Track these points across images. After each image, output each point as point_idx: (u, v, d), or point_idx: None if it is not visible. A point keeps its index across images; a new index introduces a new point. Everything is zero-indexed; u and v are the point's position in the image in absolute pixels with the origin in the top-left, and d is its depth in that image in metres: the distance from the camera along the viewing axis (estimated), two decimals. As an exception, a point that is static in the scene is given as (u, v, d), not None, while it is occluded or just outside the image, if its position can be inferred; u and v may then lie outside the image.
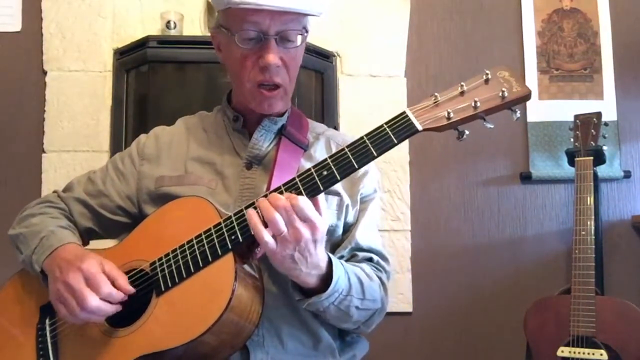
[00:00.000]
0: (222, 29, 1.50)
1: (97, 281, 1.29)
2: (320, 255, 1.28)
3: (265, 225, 1.21)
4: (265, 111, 1.52)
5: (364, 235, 1.54)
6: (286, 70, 1.49)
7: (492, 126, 1.24)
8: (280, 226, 1.19)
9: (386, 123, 1.25)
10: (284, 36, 1.45)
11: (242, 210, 1.29)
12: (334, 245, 1.56)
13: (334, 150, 1.58)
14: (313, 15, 1.49)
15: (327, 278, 1.32)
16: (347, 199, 1.54)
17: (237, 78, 1.52)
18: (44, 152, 2.67)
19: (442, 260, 2.86)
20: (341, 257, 1.50)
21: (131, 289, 1.32)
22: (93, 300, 1.27)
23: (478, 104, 1.22)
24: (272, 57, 1.43)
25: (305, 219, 1.20)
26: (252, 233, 1.22)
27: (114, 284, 1.31)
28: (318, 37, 2.67)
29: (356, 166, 1.23)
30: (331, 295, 1.32)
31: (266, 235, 1.20)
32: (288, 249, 1.21)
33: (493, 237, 2.90)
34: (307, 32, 1.51)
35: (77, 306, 1.27)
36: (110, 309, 1.30)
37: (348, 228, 1.56)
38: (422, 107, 1.25)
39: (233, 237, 1.27)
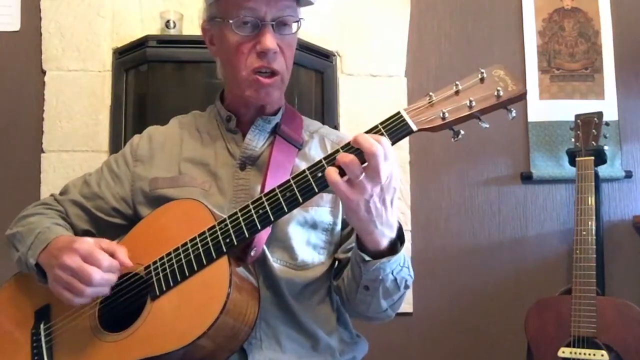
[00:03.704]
0: (216, 20, 1.50)
1: (95, 256, 1.29)
2: (393, 215, 1.26)
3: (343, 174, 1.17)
4: (261, 100, 1.50)
5: None
6: (283, 58, 1.48)
7: (487, 126, 1.24)
8: (357, 170, 1.15)
9: (381, 123, 1.23)
10: (281, 22, 1.45)
11: (236, 213, 1.28)
12: (336, 244, 1.56)
13: (328, 148, 1.58)
14: (308, 4, 1.50)
15: (392, 247, 1.30)
16: None
17: (232, 67, 1.49)
18: (42, 152, 2.67)
19: (442, 260, 2.85)
20: (348, 251, 1.50)
21: (129, 262, 1.33)
22: (97, 274, 1.27)
23: (473, 103, 1.21)
24: (270, 42, 1.42)
25: (387, 158, 1.16)
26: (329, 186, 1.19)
27: (113, 257, 1.31)
28: (318, 36, 2.68)
29: None
30: (397, 260, 1.31)
31: (342, 185, 1.17)
32: (366, 193, 1.17)
33: (493, 237, 2.90)
34: (301, 21, 1.51)
35: (83, 284, 1.27)
36: (115, 278, 1.31)
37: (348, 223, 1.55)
38: (417, 107, 1.24)
39: (227, 240, 1.26)
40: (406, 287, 1.42)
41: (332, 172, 1.17)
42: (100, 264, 1.28)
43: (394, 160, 1.19)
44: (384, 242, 1.28)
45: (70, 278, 1.29)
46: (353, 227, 1.30)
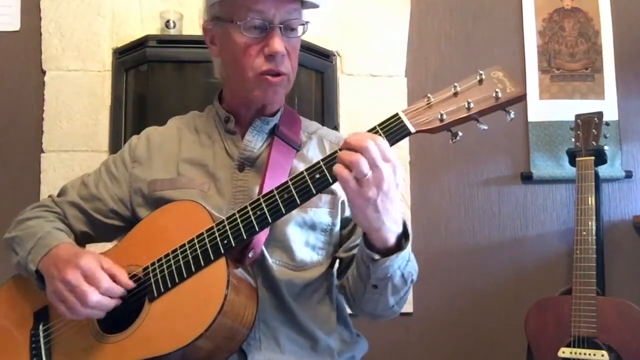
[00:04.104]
0: (220, 21, 1.49)
1: (96, 277, 1.29)
2: (399, 210, 1.25)
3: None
4: (269, 99, 1.50)
5: None
6: (289, 60, 1.48)
7: (485, 127, 1.23)
8: (364, 168, 1.15)
9: (379, 125, 1.23)
10: (288, 25, 1.45)
11: (234, 214, 1.28)
12: (335, 244, 1.55)
13: (327, 148, 1.58)
14: (313, 7, 1.50)
15: (398, 242, 1.29)
16: (343, 195, 1.50)
17: (238, 68, 1.48)
18: (42, 152, 2.67)
19: (442, 260, 2.85)
20: (350, 250, 1.51)
21: (131, 284, 1.33)
22: (94, 296, 1.27)
23: (471, 105, 1.21)
24: (279, 45, 1.42)
25: (387, 159, 1.17)
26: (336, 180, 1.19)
27: (113, 279, 1.31)
28: (318, 36, 2.67)
29: None
30: (403, 255, 1.30)
31: (352, 183, 1.16)
32: (371, 191, 1.16)
33: (494, 237, 2.90)
34: (306, 24, 1.51)
35: (78, 302, 1.27)
36: (111, 303, 1.30)
37: (349, 222, 1.55)
38: (415, 109, 1.24)
39: (225, 242, 1.26)
40: (412, 281, 1.41)
41: (342, 169, 1.16)
42: (99, 285, 1.29)
43: (394, 156, 1.19)
44: (392, 239, 1.27)
45: (67, 293, 1.29)
46: (360, 225, 1.29)
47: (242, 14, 1.42)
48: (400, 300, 1.46)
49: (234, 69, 1.51)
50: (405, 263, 1.34)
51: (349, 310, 1.61)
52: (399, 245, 1.29)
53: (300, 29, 1.49)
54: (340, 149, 1.20)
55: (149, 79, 2.52)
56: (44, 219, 1.55)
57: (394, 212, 1.24)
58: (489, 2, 2.98)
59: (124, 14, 2.74)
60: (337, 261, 1.58)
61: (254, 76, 1.45)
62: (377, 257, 1.29)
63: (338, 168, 1.17)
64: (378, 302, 1.42)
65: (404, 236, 1.30)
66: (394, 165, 1.19)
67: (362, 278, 1.37)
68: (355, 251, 1.49)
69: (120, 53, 2.63)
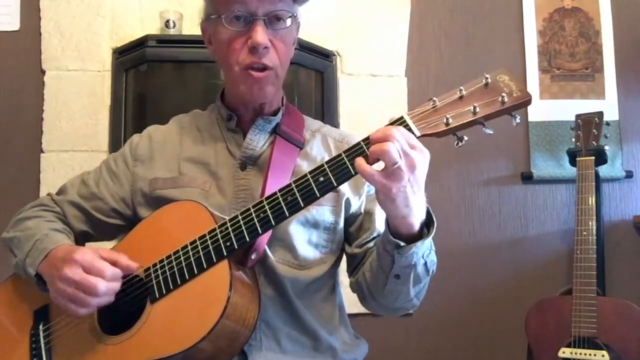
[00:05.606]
0: (211, 17, 1.48)
1: (97, 266, 1.28)
2: (423, 196, 1.25)
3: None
4: (255, 95, 1.48)
5: (383, 222, 1.45)
6: (276, 53, 1.45)
7: (491, 132, 1.22)
8: (395, 156, 1.14)
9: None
10: (274, 16, 1.43)
11: (237, 216, 1.28)
12: (339, 242, 1.54)
13: (331, 146, 1.57)
14: (304, 1, 1.49)
15: (420, 230, 1.28)
16: (347, 193, 1.51)
17: (225, 64, 1.48)
18: (42, 152, 2.67)
19: (442, 260, 2.79)
20: (364, 245, 1.51)
21: (134, 266, 1.33)
22: (102, 285, 1.26)
23: (477, 109, 1.19)
24: (261, 37, 1.40)
25: (413, 146, 1.18)
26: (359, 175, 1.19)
27: (115, 265, 1.31)
28: (318, 36, 2.68)
29: (353, 172, 1.20)
30: (428, 243, 1.29)
31: (377, 176, 1.16)
32: (403, 180, 1.16)
33: (494, 237, 2.90)
34: (298, 17, 1.50)
35: (88, 295, 1.26)
36: (118, 286, 1.30)
37: (356, 219, 1.55)
38: (421, 112, 1.23)
39: (228, 244, 1.25)
40: (433, 272, 1.41)
41: (367, 168, 1.16)
42: (104, 273, 1.27)
43: (420, 143, 1.19)
44: (417, 225, 1.26)
45: (74, 290, 1.27)
46: (388, 214, 1.27)
47: (225, 8, 1.42)
48: (420, 292, 1.45)
49: (224, 66, 1.51)
50: (429, 251, 1.34)
51: (349, 311, 1.61)
52: (421, 233, 1.28)
53: (288, 20, 1.47)
54: (366, 145, 1.19)
55: (149, 78, 2.52)
56: (43, 218, 1.53)
57: (421, 199, 1.24)
58: (489, 2, 2.98)
59: (124, 14, 2.74)
60: (349, 257, 1.57)
61: (239, 71, 1.44)
62: (402, 243, 1.27)
63: (363, 167, 1.17)
64: (400, 293, 1.40)
65: (425, 224, 1.29)
66: (423, 150, 1.19)
67: (384, 269, 1.35)
68: (369, 245, 1.50)
69: (120, 53, 2.63)
